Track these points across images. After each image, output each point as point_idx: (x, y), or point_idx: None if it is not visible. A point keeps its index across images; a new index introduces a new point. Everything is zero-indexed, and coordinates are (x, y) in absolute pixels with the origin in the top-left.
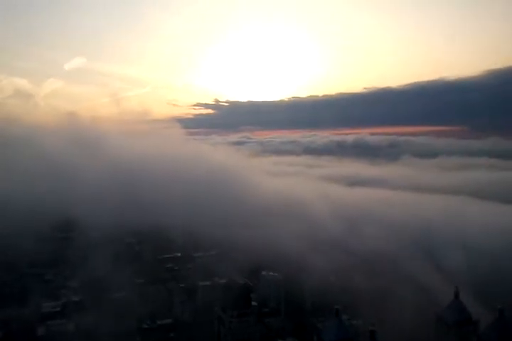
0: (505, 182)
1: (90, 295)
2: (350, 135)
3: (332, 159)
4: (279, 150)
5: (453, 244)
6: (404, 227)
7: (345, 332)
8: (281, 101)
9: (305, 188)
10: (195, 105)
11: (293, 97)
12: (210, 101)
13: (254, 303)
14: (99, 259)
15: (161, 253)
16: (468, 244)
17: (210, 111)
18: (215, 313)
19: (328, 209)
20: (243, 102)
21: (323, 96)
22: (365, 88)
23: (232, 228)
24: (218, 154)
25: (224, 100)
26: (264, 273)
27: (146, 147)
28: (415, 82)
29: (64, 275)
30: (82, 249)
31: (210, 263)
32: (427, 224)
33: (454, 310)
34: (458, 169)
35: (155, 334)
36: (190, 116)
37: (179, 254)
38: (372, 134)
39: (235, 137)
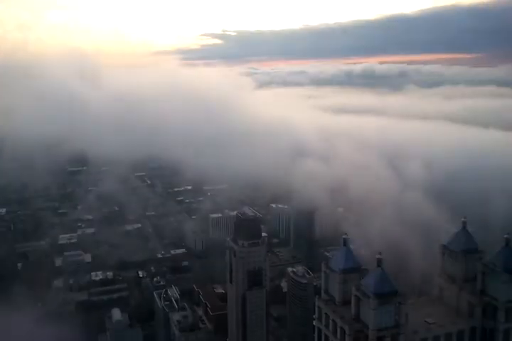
0: (505, 110)
1: (105, 228)
2: (360, 64)
3: (336, 90)
4: (285, 82)
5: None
6: (379, 149)
7: (353, 261)
8: (292, 30)
9: (295, 117)
10: (201, 35)
11: (304, 25)
12: (218, 31)
13: (264, 234)
14: (111, 192)
15: (172, 186)
16: (428, 164)
17: (217, 41)
18: (227, 243)
19: (313, 134)
20: (252, 31)
21: (335, 23)
22: (378, 14)
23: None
24: (221, 85)
25: (232, 29)
26: (273, 205)
27: (151, 78)
28: (429, 8)
29: (78, 209)
30: (94, 182)
31: (220, 195)
32: (400, 147)
33: (461, 240)
34: (459, 97)
35: (169, 263)
36: (197, 47)
37: (190, 187)
38: (382, 63)
39: (242, 67)
